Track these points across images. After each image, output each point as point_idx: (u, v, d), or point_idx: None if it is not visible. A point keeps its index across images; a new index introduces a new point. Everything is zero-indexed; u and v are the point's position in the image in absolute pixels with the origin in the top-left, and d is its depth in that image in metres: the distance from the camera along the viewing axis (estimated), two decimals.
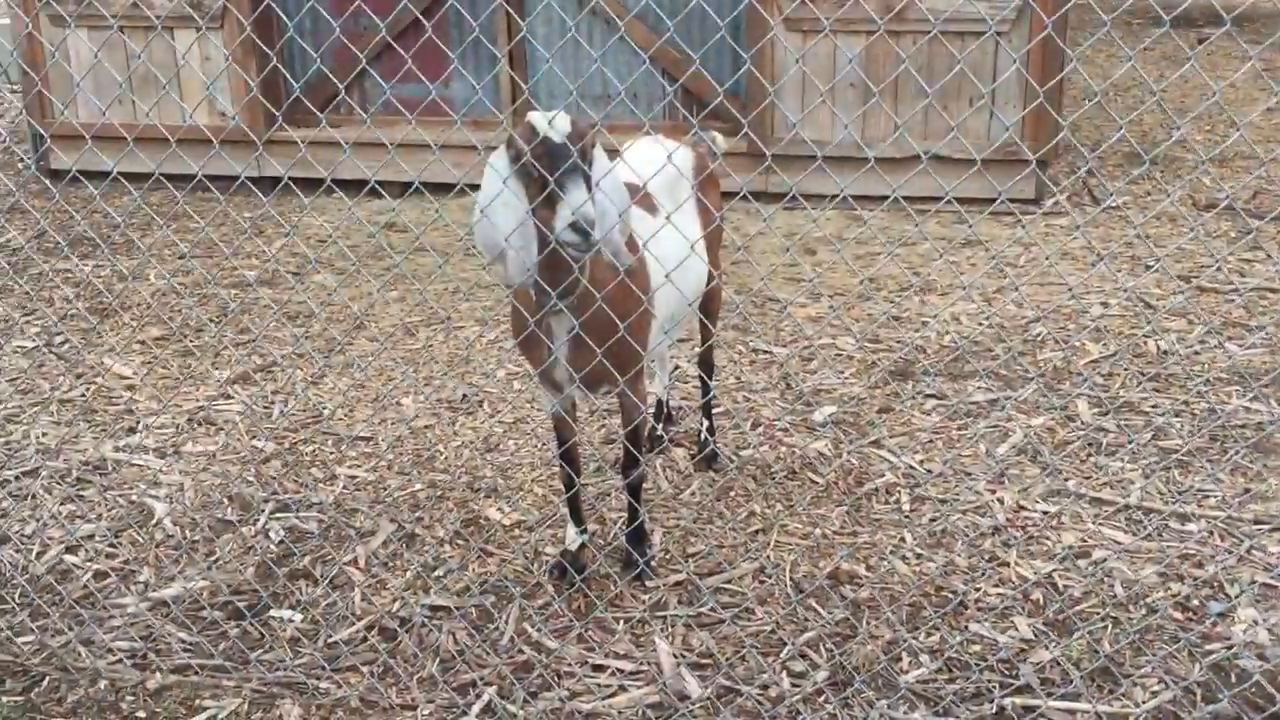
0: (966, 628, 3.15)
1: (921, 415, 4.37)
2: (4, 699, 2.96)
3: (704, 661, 3.06)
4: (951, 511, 3.71)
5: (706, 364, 4.01)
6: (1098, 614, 3.20)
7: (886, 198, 6.76)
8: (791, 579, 3.39)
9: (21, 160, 8.66)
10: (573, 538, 3.42)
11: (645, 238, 2.73)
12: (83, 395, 4.73)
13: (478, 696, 2.94)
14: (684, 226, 3.01)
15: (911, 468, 4.00)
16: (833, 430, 4.27)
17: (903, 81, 6.81)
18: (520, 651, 3.11)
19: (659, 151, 3.17)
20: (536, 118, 2.58)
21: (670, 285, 2.75)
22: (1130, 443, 4.09)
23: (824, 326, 5.25)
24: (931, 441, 4.17)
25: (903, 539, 3.59)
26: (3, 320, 5.56)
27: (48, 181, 7.40)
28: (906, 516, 3.71)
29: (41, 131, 7.80)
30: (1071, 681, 2.90)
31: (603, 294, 2.76)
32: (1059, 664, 3.00)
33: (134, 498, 3.96)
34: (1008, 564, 3.44)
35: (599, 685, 2.97)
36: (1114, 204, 6.75)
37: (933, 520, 3.68)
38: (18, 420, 4.51)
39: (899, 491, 3.85)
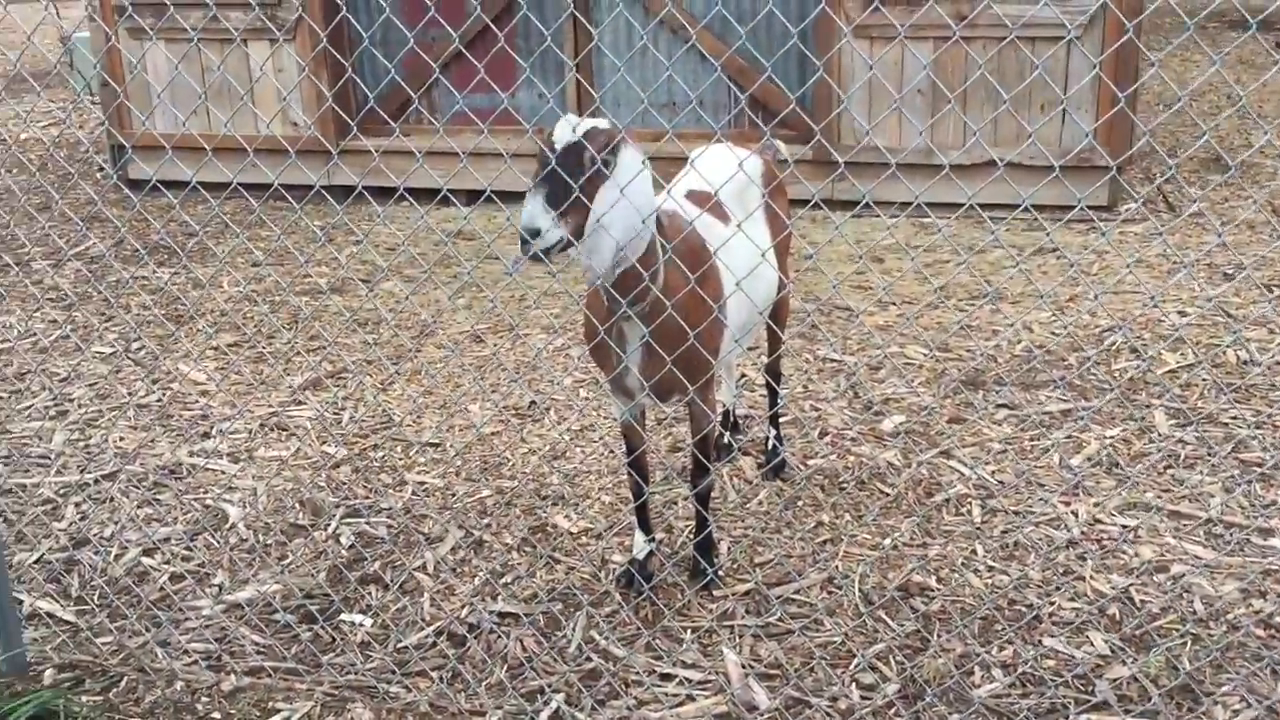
0: (1041, 642, 3.09)
1: (993, 425, 4.30)
2: (84, 698, 3.02)
3: (772, 672, 3.04)
4: (1025, 524, 3.65)
5: (774, 372, 3.99)
6: (1177, 630, 3.13)
7: (954, 205, 6.69)
8: (861, 590, 3.36)
9: (100, 170, 8.88)
10: (641, 546, 3.41)
11: (716, 245, 2.72)
12: (159, 400, 4.82)
13: (545, 703, 2.95)
14: (754, 234, 3.00)
15: (983, 479, 3.94)
16: (902, 440, 4.22)
17: (972, 87, 6.73)
18: (588, 659, 3.11)
19: (730, 159, 3.16)
20: (560, 121, 2.61)
21: (741, 293, 2.74)
22: (1210, 455, 3.99)
23: (893, 335, 5.20)
24: (1003, 452, 4.11)
25: (974, 551, 3.53)
26: (83, 326, 5.70)
27: (127, 190, 7.56)
28: (978, 528, 3.66)
29: (123, 142, 7.98)
30: (1150, 699, 2.84)
31: (674, 301, 2.75)
32: (1137, 680, 2.93)
33: (209, 502, 4.03)
34: (1083, 578, 3.37)
35: (666, 695, 2.96)
36: (1191, 210, 6.60)
37: (1005, 532, 3.62)
38: (97, 425, 4.61)
39: (970, 503, 3.80)
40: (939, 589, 3.34)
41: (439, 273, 6.30)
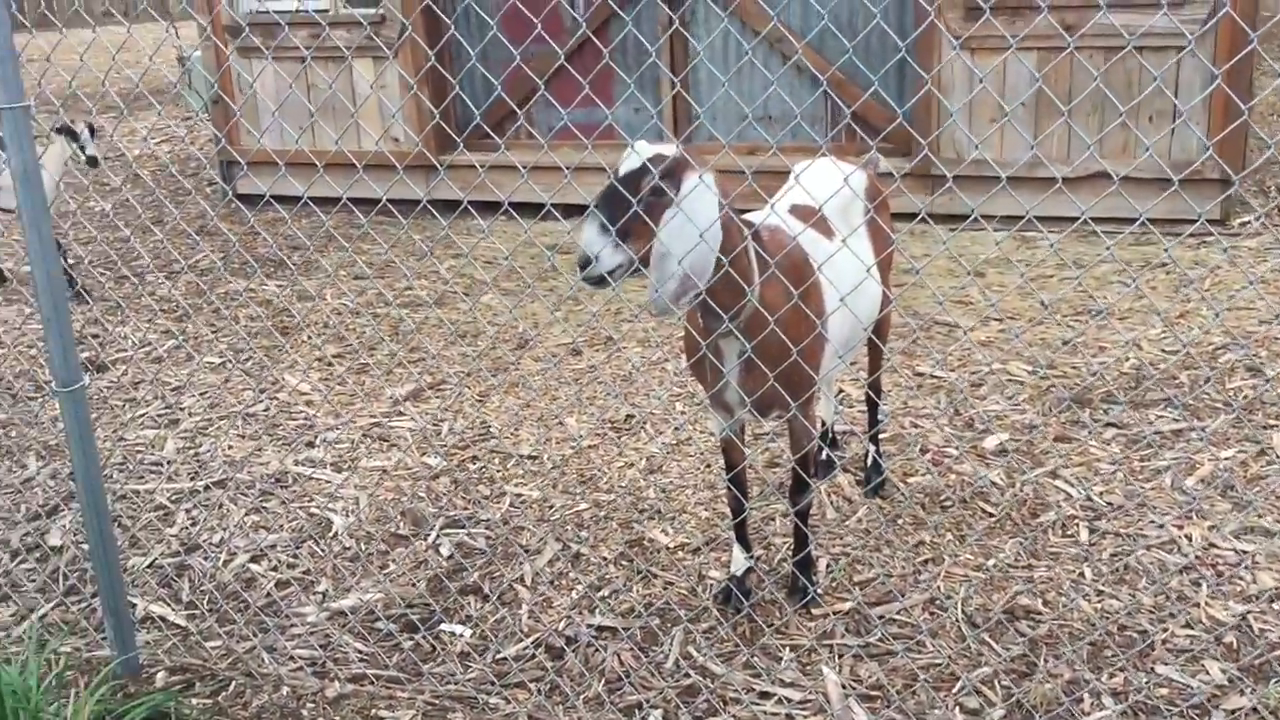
0: (1153, 670, 3.00)
1: (1100, 445, 4.19)
2: (194, 701, 3.10)
3: (873, 694, 2.99)
4: (1136, 547, 3.54)
5: (875, 388, 3.94)
6: None
7: (1055, 219, 6.54)
8: (964, 612, 3.29)
9: (212, 185, 9.16)
10: (740, 562, 3.39)
11: (820, 260, 2.69)
12: (266, 410, 4.94)
13: (644, 719, 2.94)
14: (859, 250, 2.97)
15: (1090, 499, 3.84)
16: (1006, 459, 4.14)
17: (1077, 98, 6.59)
18: (686, 675, 3.10)
19: (835, 173, 3.13)
20: (628, 149, 2.62)
21: (845, 309, 2.70)
22: None
23: (995, 351, 5.10)
24: (1113, 473, 3.99)
25: (1082, 574, 3.44)
26: (194, 337, 5.87)
27: (238, 204, 7.79)
28: (1086, 551, 3.56)
29: (236, 158, 8.22)
30: None
31: (773, 317, 2.73)
32: (1256, 712, 2.82)
33: (314, 510, 4.11)
34: (1198, 604, 3.25)
35: (765, 713, 2.94)
36: None
37: (1115, 556, 3.51)
38: (207, 433, 4.74)
39: (1077, 525, 3.70)
40: (1046, 612, 3.26)
41: (537, 286, 6.36)
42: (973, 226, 6.87)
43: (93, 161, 6.18)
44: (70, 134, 6.16)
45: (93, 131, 6.24)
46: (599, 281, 2.58)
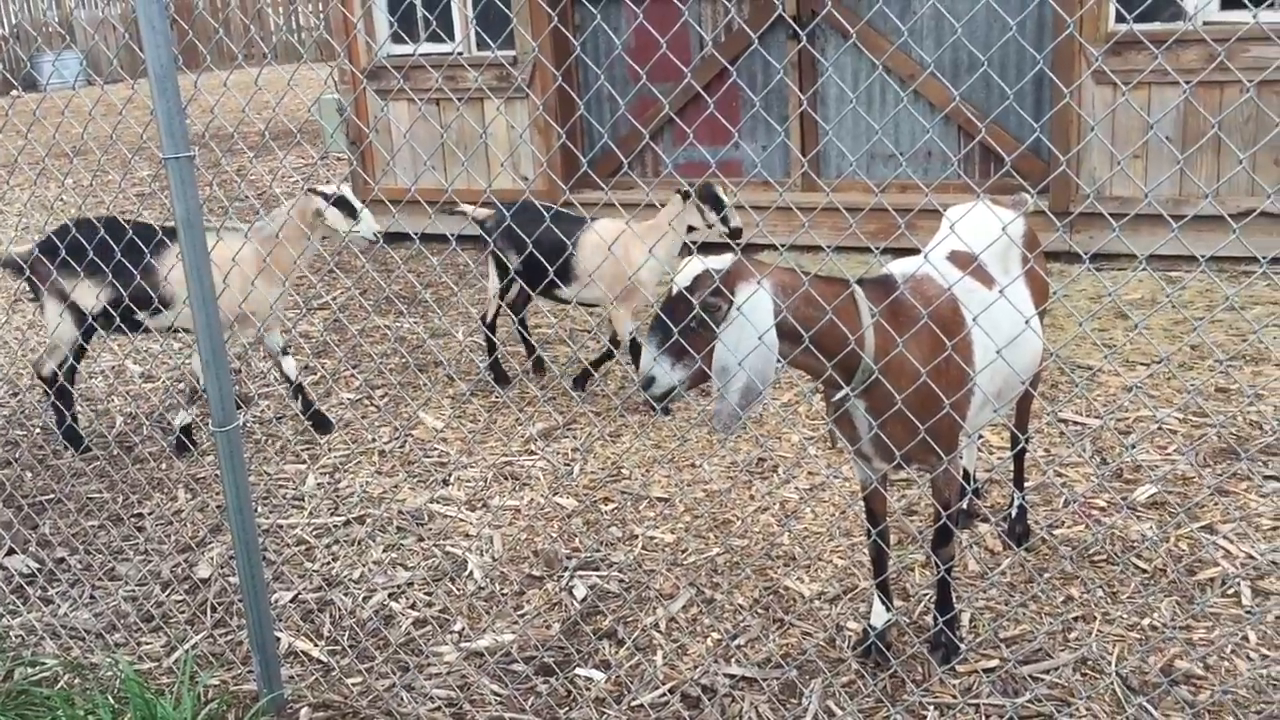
0: None
1: (1260, 499, 3.99)
2: None
3: None
4: None
5: (1020, 435, 3.82)
6: None
7: (1200, 258, 6.29)
8: (1118, 673, 3.15)
9: None
10: (880, 615, 3.31)
11: (976, 310, 2.63)
12: (401, 446, 5.03)
13: None
14: (1017, 300, 2.89)
15: (1251, 557, 3.65)
16: (1157, 511, 3.97)
17: (1227, 132, 6.35)
18: None
19: (991, 219, 3.06)
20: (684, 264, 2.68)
21: (1001, 361, 2.63)
22: None
23: (1141, 397, 4.91)
24: (1274, 529, 3.80)
25: (1246, 637, 3.27)
26: (330, 373, 6.02)
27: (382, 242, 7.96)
28: (1249, 612, 3.38)
29: (381, 197, 8.44)
30: None
31: (900, 371, 2.70)
32: None
33: (449, 548, 4.15)
34: None
35: None
36: None
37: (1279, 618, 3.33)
38: (346, 468, 4.84)
39: (1238, 583, 3.52)
40: (1208, 677, 3.10)
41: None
42: (1113, 266, 6.65)
43: (736, 233, 4.97)
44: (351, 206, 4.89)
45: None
46: (663, 398, 2.69)
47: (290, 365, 5.10)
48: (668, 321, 2.63)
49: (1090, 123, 6.53)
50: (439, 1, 8.19)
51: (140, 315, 4.78)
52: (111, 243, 4.24)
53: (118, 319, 4.85)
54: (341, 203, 4.82)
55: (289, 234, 4.83)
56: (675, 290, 2.65)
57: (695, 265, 2.65)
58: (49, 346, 5.01)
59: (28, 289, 5.02)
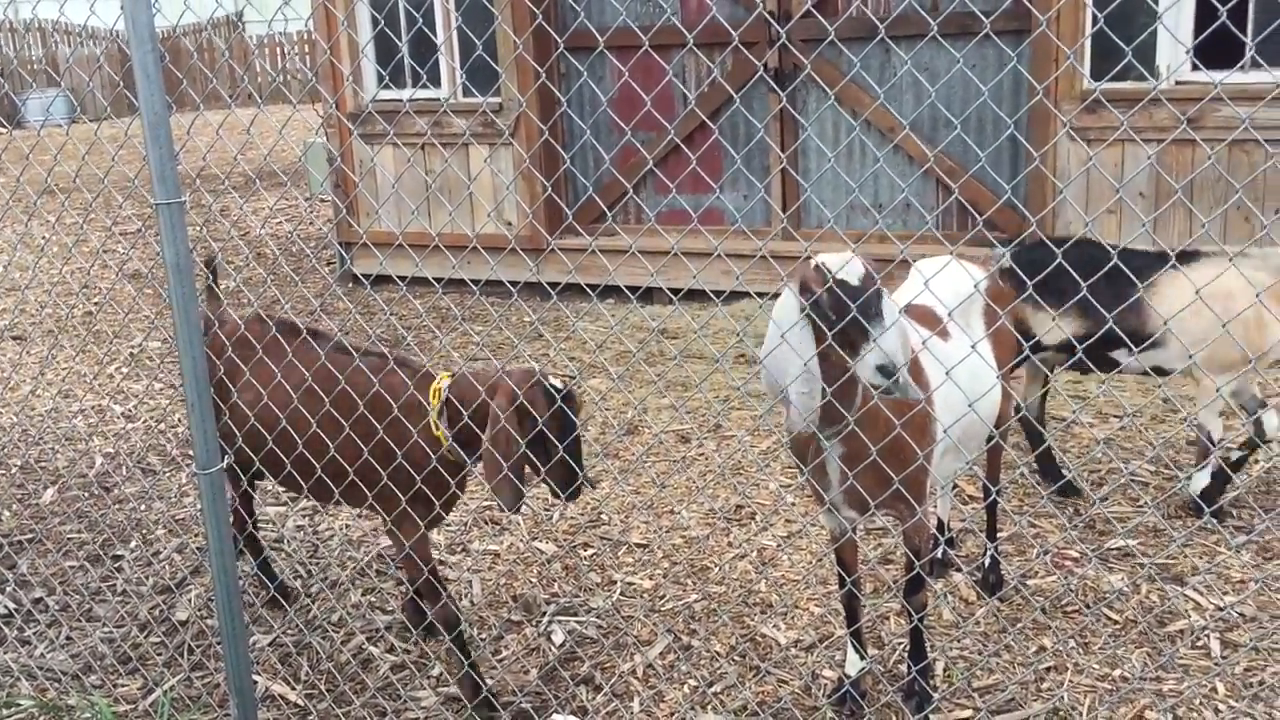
0: None
1: (1232, 553, 4.05)
2: None
3: None
4: (1270, 662, 3.40)
5: (990, 485, 3.87)
6: None
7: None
8: None
9: (329, 264, 9.46)
10: (854, 664, 3.34)
11: (931, 364, 2.69)
12: None
13: None
14: (978, 353, 2.95)
15: (1220, 609, 3.70)
16: (1129, 562, 4.02)
17: (1199, 190, 6.48)
18: None
19: (959, 274, 3.13)
20: (829, 260, 2.60)
21: (961, 409, 2.69)
22: None
23: (1115, 449, 4.98)
24: (1243, 582, 3.86)
25: (1214, 689, 3.31)
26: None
27: (354, 283, 8.03)
28: (1217, 664, 3.43)
29: (362, 238, 8.50)
30: None
31: (872, 422, 2.75)
32: None
33: None
34: None
35: None
36: None
37: (1249, 670, 3.38)
38: (325, 512, 4.85)
39: (1207, 636, 3.57)
40: None
41: (645, 370, 6.41)
42: None
43: None
44: None
45: None
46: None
47: None
48: (879, 309, 2.54)
49: (1059, 186, 6.65)
50: (427, 54, 8.30)
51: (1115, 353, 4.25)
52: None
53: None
54: None
55: None
56: (859, 280, 2.57)
57: (849, 263, 2.58)
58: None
59: None
